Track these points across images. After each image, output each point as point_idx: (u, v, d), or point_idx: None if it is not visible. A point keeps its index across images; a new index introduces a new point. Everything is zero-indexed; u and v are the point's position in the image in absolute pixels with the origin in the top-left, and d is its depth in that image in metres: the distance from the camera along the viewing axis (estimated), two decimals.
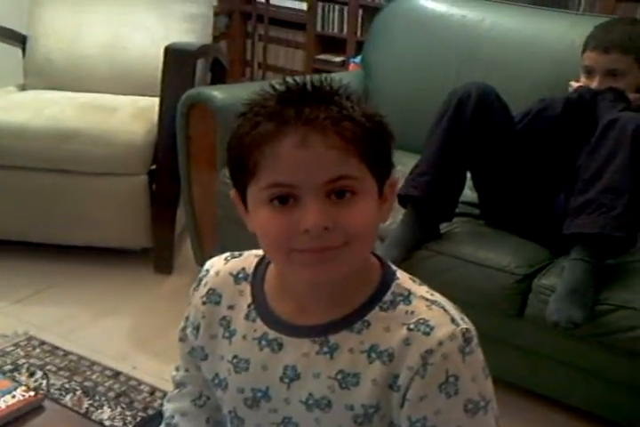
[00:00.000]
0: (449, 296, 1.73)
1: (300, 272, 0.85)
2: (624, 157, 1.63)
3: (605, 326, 1.59)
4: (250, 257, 0.97)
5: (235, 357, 0.94)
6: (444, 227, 1.84)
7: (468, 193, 1.92)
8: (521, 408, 1.83)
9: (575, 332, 1.60)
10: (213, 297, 0.96)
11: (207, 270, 0.99)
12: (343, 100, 0.82)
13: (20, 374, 1.85)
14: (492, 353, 1.74)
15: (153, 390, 1.82)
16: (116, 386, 1.85)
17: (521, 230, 1.82)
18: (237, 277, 0.95)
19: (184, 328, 1.00)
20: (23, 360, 1.92)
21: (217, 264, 0.99)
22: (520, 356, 1.78)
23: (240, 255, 0.99)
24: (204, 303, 0.96)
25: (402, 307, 0.87)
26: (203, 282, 0.98)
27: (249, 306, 0.93)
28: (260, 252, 0.96)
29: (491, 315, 1.75)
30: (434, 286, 1.76)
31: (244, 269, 0.96)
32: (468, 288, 1.74)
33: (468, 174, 1.87)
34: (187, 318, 1.00)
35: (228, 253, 1.00)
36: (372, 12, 3.34)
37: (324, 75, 0.90)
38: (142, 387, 1.85)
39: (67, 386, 1.83)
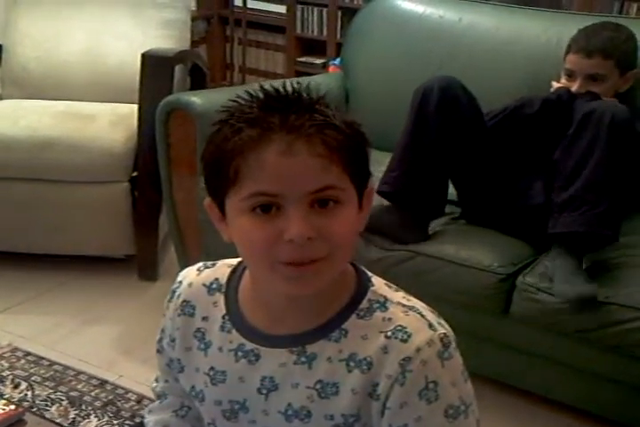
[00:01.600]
0: (433, 296, 1.73)
1: (281, 285, 0.84)
2: (603, 150, 1.63)
3: (591, 321, 1.59)
4: (223, 267, 0.96)
5: (211, 369, 0.93)
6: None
7: (449, 191, 1.92)
8: (508, 405, 1.83)
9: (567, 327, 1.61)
10: (187, 309, 0.95)
11: (180, 282, 0.98)
12: (323, 107, 0.81)
13: (4, 385, 1.84)
14: (478, 351, 1.79)
15: (140, 398, 1.81)
16: (103, 395, 1.84)
17: (501, 226, 1.82)
18: (211, 288, 0.94)
19: (160, 340, 1.00)
20: (8, 372, 1.90)
21: (190, 275, 0.98)
22: (506, 353, 1.78)
23: (213, 265, 0.98)
24: (178, 315, 0.96)
25: (378, 314, 0.87)
26: (176, 293, 0.97)
27: (223, 317, 0.92)
28: (233, 261, 0.95)
29: (476, 314, 1.75)
30: (417, 287, 1.76)
31: (217, 279, 0.95)
32: (453, 288, 1.74)
33: None
34: (162, 330, 0.99)
35: (200, 264, 0.99)
36: (351, 13, 3.34)
37: (302, 81, 0.90)
38: (129, 395, 1.84)
39: (52, 397, 1.81)
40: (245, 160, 0.79)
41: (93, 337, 2.10)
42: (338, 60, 2.78)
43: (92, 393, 1.84)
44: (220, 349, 0.92)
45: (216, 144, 0.82)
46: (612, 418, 1.72)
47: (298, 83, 0.85)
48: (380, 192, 1.77)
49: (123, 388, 1.86)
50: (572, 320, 1.60)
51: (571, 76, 1.89)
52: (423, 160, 1.79)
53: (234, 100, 0.83)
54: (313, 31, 3.86)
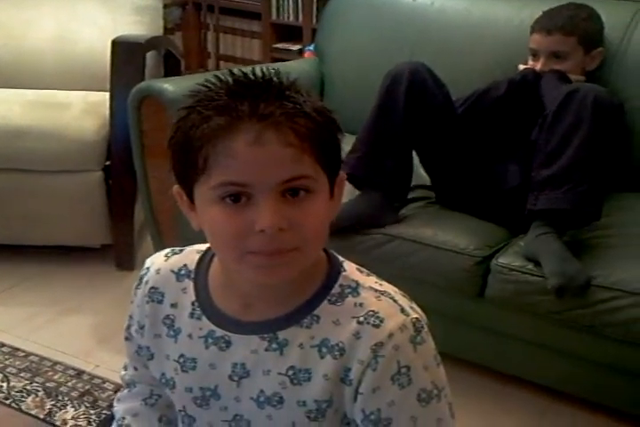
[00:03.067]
0: (410, 279, 1.75)
1: (250, 274, 0.83)
2: (586, 129, 1.64)
3: (565, 302, 1.59)
4: (192, 253, 0.95)
5: (181, 356, 0.92)
6: (401, 212, 1.84)
7: (424, 176, 1.92)
8: (485, 388, 1.84)
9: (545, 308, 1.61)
10: (155, 296, 0.94)
11: (147, 268, 0.96)
12: (294, 94, 0.79)
13: None
14: (455, 334, 1.80)
15: (117, 388, 1.80)
16: (80, 385, 1.83)
17: (477, 210, 1.82)
18: (179, 275, 0.93)
19: (128, 327, 0.99)
20: None
21: (157, 261, 0.96)
22: (483, 336, 1.79)
23: (181, 251, 0.96)
24: (147, 302, 0.94)
25: (350, 299, 0.86)
26: (144, 280, 0.96)
27: (193, 304, 0.91)
28: (202, 247, 0.94)
29: (452, 296, 1.76)
30: (394, 270, 1.77)
31: (185, 265, 0.94)
32: (429, 271, 1.74)
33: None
34: (130, 317, 0.98)
35: (168, 250, 0.97)
36: None
37: (273, 66, 0.88)
38: (106, 385, 1.83)
39: (28, 388, 1.80)
40: (214, 149, 0.77)
41: (70, 327, 2.09)
42: (313, 46, 2.76)
43: (69, 384, 1.83)
44: (190, 336, 0.91)
45: (184, 131, 0.80)
46: (589, 399, 1.74)
47: (268, 68, 0.82)
48: None
49: (99, 377, 1.85)
50: (547, 301, 1.60)
51: (535, 55, 1.92)
52: (389, 144, 1.78)
53: (203, 85, 0.81)
54: (289, 17, 3.83)
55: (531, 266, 1.63)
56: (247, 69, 0.82)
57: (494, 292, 1.68)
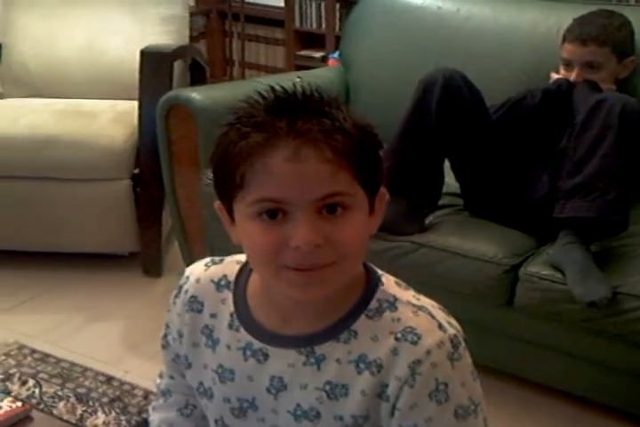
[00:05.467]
0: (437, 288, 1.74)
1: (287, 290, 0.83)
2: (613, 138, 1.63)
3: (595, 311, 1.58)
4: (231, 264, 0.95)
5: (219, 366, 0.92)
6: (429, 219, 1.84)
7: (452, 184, 1.92)
8: (513, 396, 1.84)
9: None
10: (195, 305, 0.94)
11: (187, 277, 0.97)
12: (334, 110, 0.79)
13: (11, 383, 1.85)
14: (484, 343, 1.79)
15: (147, 394, 1.82)
16: (110, 391, 1.84)
17: (505, 219, 1.82)
18: (219, 285, 0.94)
19: (165, 336, 0.99)
20: (14, 369, 1.91)
21: (197, 271, 0.96)
22: (511, 344, 1.78)
23: (221, 261, 0.97)
24: (186, 311, 0.95)
25: (388, 314, 0.86)
26: (183, 289, 0.96)
27: (231, 315, 0.91)
28: (242, 258, 0.94)
29: (480, 305, 1.75)
30: (421, 279, 1.77)
31: (225, 276, 0.94)
32: (457, 280, 1.74)
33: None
34: (167, 326, 0.99)
35: (208, 259, 0.98)
36: (349, 6, 3.33)
37: (310, 80, 0.87)
38: (136, 391, 1.84)
39: (59, 393, 1.82)
40: (252, 165, 0.77)
41: (99, 334, 2.11)
42: (337, 54, 2.77)
43: (99, 389, 1.85)
44: (229, 346, 0.91)
45: (223, 148, 0.80)
46: (617, 407, 1.73)
47: (309, 85, 0.82)
48: None
49: (129, 384, 1.87)
50: (577, 310, 1.59)
51: (568, 65, 1.90)
52: (421, 153, 1.78)
53: (244, 101, 0.81)
54: (312, 24, 3.85)
55: (559, 275, 1.62)
56: (287, 85, 0.82)
57: (523, 300, 1.68)
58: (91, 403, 1.80)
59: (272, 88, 0.81)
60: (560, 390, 1.79)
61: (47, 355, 1.97)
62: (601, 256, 1.66)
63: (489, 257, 1.70)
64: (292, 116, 0.77)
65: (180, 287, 0.97)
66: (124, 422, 1.74)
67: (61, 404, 1.79)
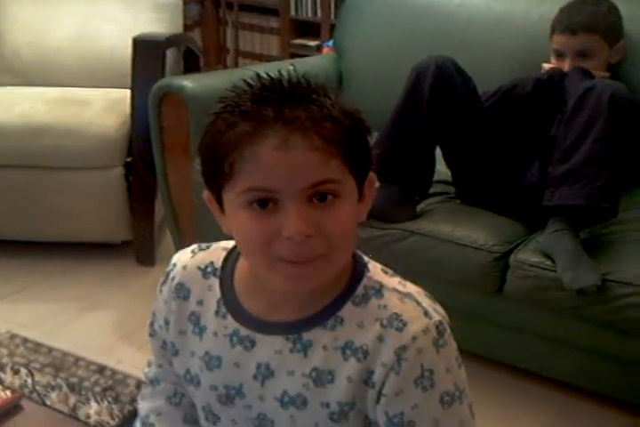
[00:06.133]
0: (428, 275, 1.74)
1: (280, 283, 0.83)
2: (602, 125, 1.63)
3: (583, 298, 1.58)
4: (217, 250, 0.95)
5: (206, 353, 0.92)
6: (420, 207, 1.84)
7: (444, 171, 1.92)
8: (503, 383, 1.84)
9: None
10: (182, 292, 0.94)
11: (174, 264, 0.96)
12: (322, 97, 0.79)
13: (4, 372, 1.85)
14: (474, 330, 1.80)
15: (139, 383, 1.81)
16: (102, 381, 1.84)
17: (496, 206, 1.82)
18: (206, 272, 0.93)
19: (152, 323, 0.99)
20: (7, 359, 1.90)
21: (184, 258, 0.96)
22: (501, 331, 1.79)
23: (207, 248, 0.96)
24: (173, 298, 0.95)
25: (374, 301, 0.86)
26: (170, 276, 0.96)
27: (218, 302, 0.91)
28: (228, 244, 0.93)
29: (471, 292, 1.76)
30: (412, 267, 1.77)
31: (212, 262, 0.94)
32: (447, 267, 1.74)
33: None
34: (154, 314, 0.99)
35: (194, 246, 0.97)
36: None
37: (300, 67, 0.86)
38: (128, 380, 1.84)
39: (52, 383, 1.82)
40: (240, 155, 0.77)
41: (92, 323, 2.11)
42: (331, 42, 2.76)
43: (92, 379, 1.85)
44: (215, 334, 0.91)
45: (211, 137, 0.80)
46: (606, 394, 1.73)
47: (296, 71, 0.81)
48: None
49: (122, 373, 1.87)
50: (566, 297, 1.60)
51: (560, 55, 1.90)
52: (413, 139, 1.78)
53: (230, 90, 0.81)
54: (307, 13, 3.83)
55: (549, 262, 1.62)
56: (274, 72, 0.81)
57: (513, 288, 1.68)
58: (83, 392, 1.79)
59: (258, 76, 0.81)
60: (549, 377, 1.80)
61: (39, 344, 1.97)
62: (590, 243, 1.66)
63: (479, 244, 1.70)
64: (279, 103, 0.77)
65: (167, 274, 0.97)
66: (116, 412, 1.73)
67: (54, 393, 1.79)
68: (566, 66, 1.87)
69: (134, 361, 1.90)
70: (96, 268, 2.38)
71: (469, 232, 1.73)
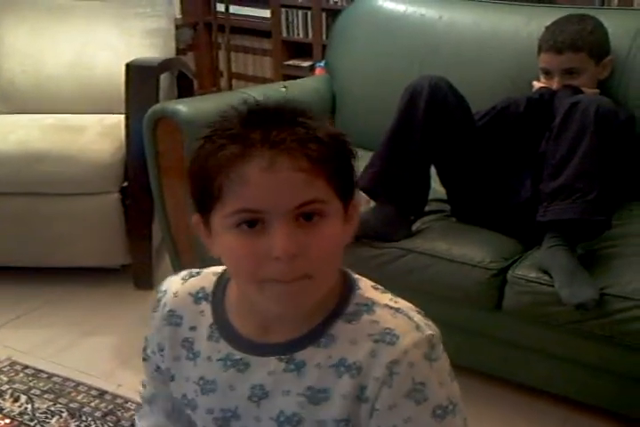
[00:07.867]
0: (425, 293, 1.75)
1: (269, 304, 0.84)
2: (590, 139, 1.64)
3: (583, 312, 1.58)
4: (209, 275, 0.96)
5: (201, 378, 0.93)
6: (416, 225, 1.85)
7: (439, 190, 1.93)
8: (504, 399, 1.84)
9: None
10: (174, 319, 0.95)
11: (165, 291, 0.98)
12: (307, 119, 0.81)
13: (3, 399, 1.84)
14: (472, 347, 1.80)
15: (139, 408, 1.81)
16: (103, 405, 1.84)
17: (491, 223, 1.83)
18: (197, 297, 0.94)
19: (145, 348, 1.00)
20: (7, 386, 1.90)
21: (174, 284, 0.97)
22: (500, 348, 1.79)
23: (198, 274, 0.97)
24: (164, 325, 0.95)
25: (366, 317, 0.86)
26: (162, 303, 0.97)
27: (211, 326, 0.92)
28: (219, 269, 0.95)
29: (469, 309, 1.76)
30: (410, 285, 1.77)
31: (203, 288, 0.94)
32: (445, 285, 1.75)
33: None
34: (146, 339, 0.99)
35: (185, 272, 0.99)
36: (335, 15, 3.34)
37: (288, 90, 0.89)
38: (129, 405, 1.84)
39: (52, 409, 1.82)
40: (228, 177, 0.78)
41: (91, 348, 2.11)
42: (324, 62, 2.78)
43: (92, 404, 1.85)
44: (209, 358, 0.92)
45: (199, 161, 0.81)
46: (607, 408, 1.73)
47: (283, 97, 0.84)
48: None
49: (122, 397, 1.87)
50: (565, 312, 1.60)
51: (548, 73, 1.92)
52: (408, 159, 1.79)
53: (220, 116, 0.83)
54: (299, 34, 3.87)
55: (547, 277, 1.63)
56: (261, 97, 0.84)
57: (511, 304, 1.68)
58: (84, 418, 1.79)
59: (245, 100, 0.83)
60: (550, 392, 1.79)
61: (39, 370, 1.97)
62: (587, 258, 1.67)
63: (476, 262, 1.71)
64: (265, 126, 0.79)
65: (159, 301, 0.98)
66: None
67: (54, 420, 1.78)
68: (555, 84, 1.89)
69: (135, 385, 1.86)
70: (95, 293, 2.38)
71: (466, 250, 1.74)
